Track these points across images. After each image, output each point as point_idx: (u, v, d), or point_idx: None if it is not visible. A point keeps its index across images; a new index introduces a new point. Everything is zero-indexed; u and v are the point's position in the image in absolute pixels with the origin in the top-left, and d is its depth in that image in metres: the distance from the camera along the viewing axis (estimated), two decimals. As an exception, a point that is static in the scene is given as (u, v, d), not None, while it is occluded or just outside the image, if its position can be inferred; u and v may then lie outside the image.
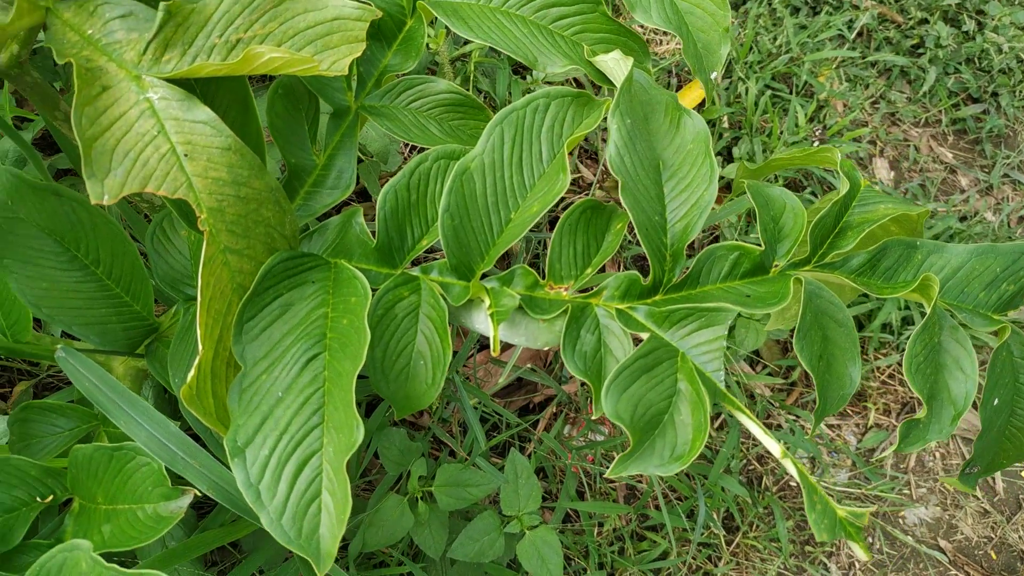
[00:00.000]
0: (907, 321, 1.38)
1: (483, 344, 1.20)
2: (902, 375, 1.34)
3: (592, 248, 0.43)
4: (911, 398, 1.37)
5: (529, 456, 1.15)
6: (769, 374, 1.32)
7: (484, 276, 0.44)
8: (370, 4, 0.48)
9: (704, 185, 0.41)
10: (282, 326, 0.43)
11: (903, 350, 1.22)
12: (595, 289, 0.42)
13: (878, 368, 1.37)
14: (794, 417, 1.29)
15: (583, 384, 1.29)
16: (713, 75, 0.49)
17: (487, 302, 0.42)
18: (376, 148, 1.08)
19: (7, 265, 0.50)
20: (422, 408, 0.43)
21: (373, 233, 0.47)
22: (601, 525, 1.16)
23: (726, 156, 1.54)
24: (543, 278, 0.43)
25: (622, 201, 0.39)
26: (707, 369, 0.37)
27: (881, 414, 1.36)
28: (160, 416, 0.45)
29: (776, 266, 0.41)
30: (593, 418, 0.93)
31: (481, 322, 0.43)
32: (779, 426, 1.24)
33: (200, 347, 0.40)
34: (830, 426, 1.34)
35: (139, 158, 0.40)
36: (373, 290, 0.43)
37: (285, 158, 0.50)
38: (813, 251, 0.41)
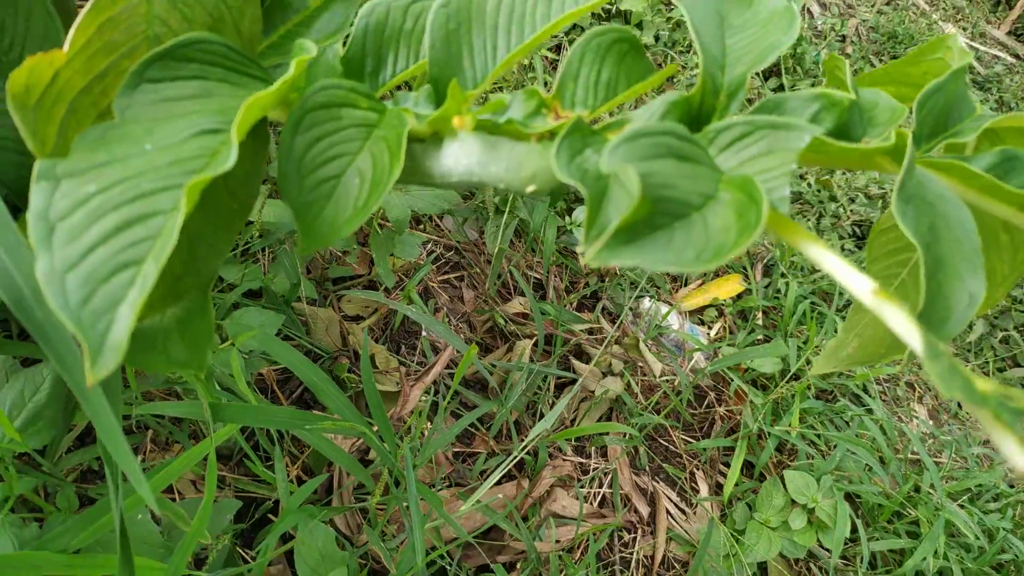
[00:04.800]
0: None
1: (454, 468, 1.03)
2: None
3: (620, 84, 0.32)
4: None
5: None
6: None
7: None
8: None
9: (780, 33, 0.31)
10: (191, 104, 0.32)
11: None
12: (614, 120, 0.30)
13: None
14: None
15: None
16: None
17: (464, 119, 0.30)
18: (395, 216, 1.01)
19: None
20: (336, 238, 0.30)
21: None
22: None
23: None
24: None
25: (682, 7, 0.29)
26: (770, 196, 0.24)
27: None
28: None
29: (866, 143, 0.29)
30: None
31: (453, 152, 0.31)
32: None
33: (65, 47, 0.29)
34: None
35: None
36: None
37: (276, -17, 0.41)
38: (918, 136, 0.30)
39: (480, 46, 0.33)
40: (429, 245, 1.34)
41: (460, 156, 0.32)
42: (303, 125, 0.31)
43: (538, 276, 1.39)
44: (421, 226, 1.33)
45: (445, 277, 1.31)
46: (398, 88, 0.38)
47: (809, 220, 1.73)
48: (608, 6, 1.87)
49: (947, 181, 0.29)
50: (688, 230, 0.22)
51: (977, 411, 0.17)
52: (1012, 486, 1.39)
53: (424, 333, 1.21)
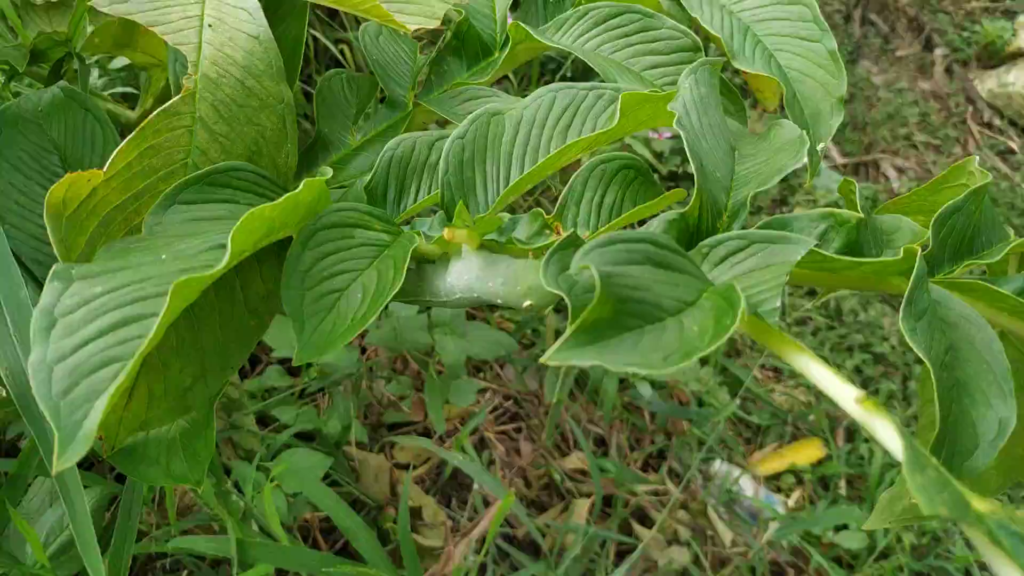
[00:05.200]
0: None
1: None
2: None
3: (625, 207, 0.32)
4: None
5: None
6: None
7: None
8: (465, 19, 0.47)
9: (788, 158, 0.31)
10: (217, 224, 0.34)
11: None
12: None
13: None
14: None
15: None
16: (821, 146, 0.41)
17: (466, 232, 0.31)
18: (449, 361, 1.01)
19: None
20: (331, 350, 0.30)
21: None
22: None
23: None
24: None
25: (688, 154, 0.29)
26: (760, 307, 0.23)
27: None
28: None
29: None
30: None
31: (457, 269, 0.31)
32: None
33: (105, 167, 0.31)
34: None
35: (161, 7, 0.37)
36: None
37: (319, 125, 0.45)
38: (938, 258, 0.28)
39: (493, 174, 0.35)
40: (488, 394, 1.33)
41: (462, 272, 0.32)
42: (314, 240, 0.32)
43: (599, 431, 1.34)
44: (481, 373, 1.33)
45: (503, 428, 1.29)
46: (419, 215, 0.40)
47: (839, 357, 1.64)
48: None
49: (972, 303, 0.27)
50: (660, 334, 0.21)
51: (971, 532, 0.15)
52: None
53: (476, 487, 1.18)
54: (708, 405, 1.41)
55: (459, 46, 0.47)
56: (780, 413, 1.51)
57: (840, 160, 2.33)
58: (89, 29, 0.57)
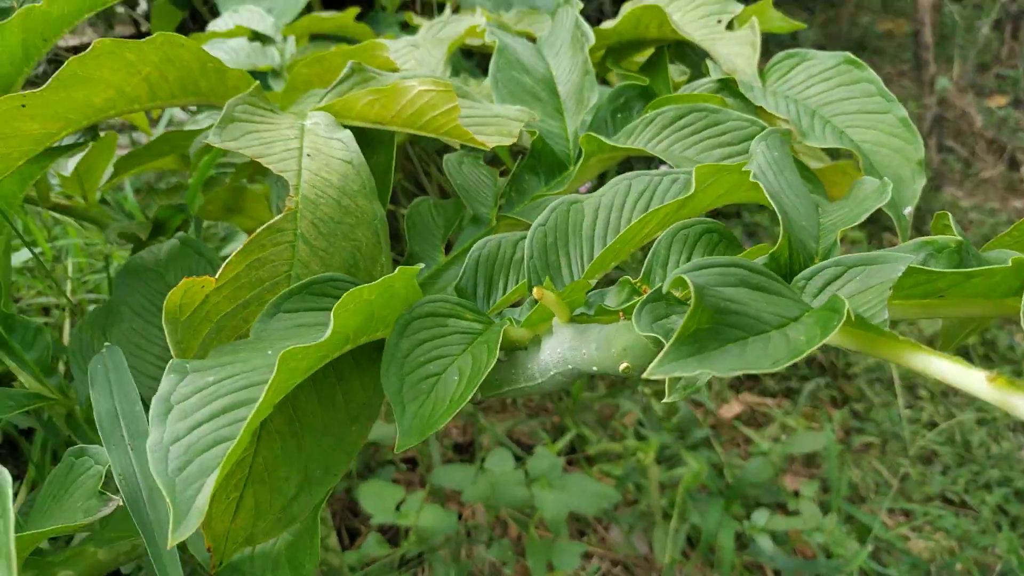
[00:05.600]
0: None
1: None
2: None
3: (712, 267, 0.31)
4: None
5: None
6: None
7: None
8: (538, 140, 0.50)
9: (873, 201, 0.30)
10: (318, 330, 0.36)
11: None
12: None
13: None
14: None
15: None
16: (907, 210, 0.40)
17: (555, 297, 0.31)
18: (550, 515, 0.98)
19: (123, 312, 0.50)
20: (431, 432, 0.29)
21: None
22: None
23: None
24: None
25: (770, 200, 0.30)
26: (867, 316, 0.21)
27: None
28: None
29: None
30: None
31: (549, 346, 0.31)
32: None
33: (216, 277, 0.34)
34: None
35: (267, 142, 0.41)
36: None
37: (410, 246, 0.47)
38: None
39: (576, 255, 0.35)
40: (594, 559, 1.25)
41: (555, 346, 0.32)
42: (410, 328, 0.33)
43: (719, 593, 1.23)
44: (584, 537, 1.27)
45: (613, 593, 1.20)
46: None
47: None
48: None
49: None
50: (765, 344, 0.20)
51: None
52: None
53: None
54: (836, 556, 1.28)
55: (535, 164, 0.50)
56: (921, 564, 1.36)
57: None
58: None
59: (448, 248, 0.49)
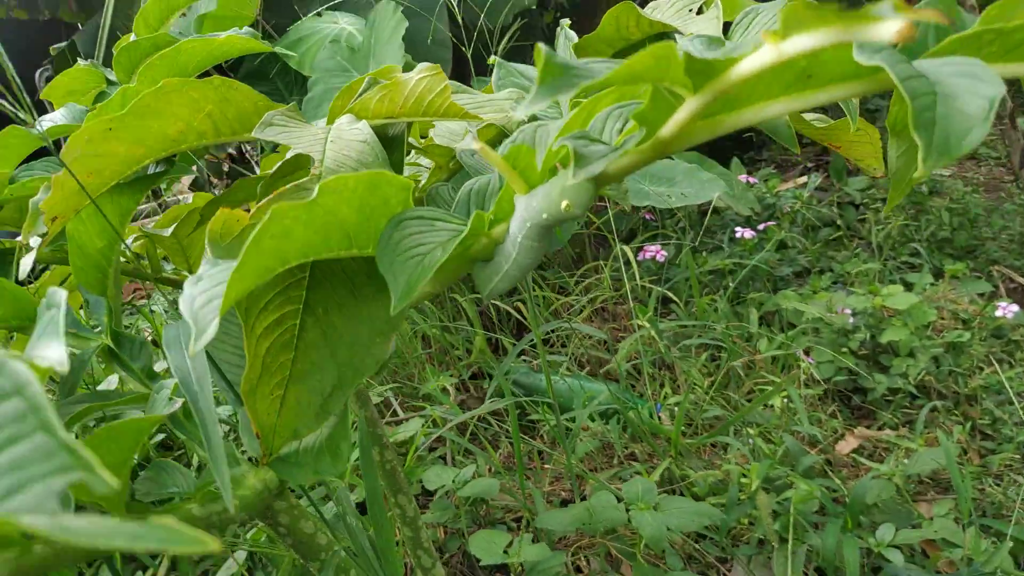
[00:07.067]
0: None
1: None
2: None
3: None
4: None
5: None
6: None
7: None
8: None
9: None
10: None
11: None
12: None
13: None
14: None
15: None
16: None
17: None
18: (649, 534, 0.97)
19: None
20: (419, 284, 0.35)
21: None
22: None
23: None
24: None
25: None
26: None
27: None
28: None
29: None
30: None
31: (513, 220, 0.36)
32: None
33: (250, 213, 0.42)
34: None
35: (297, 136, 0.50)
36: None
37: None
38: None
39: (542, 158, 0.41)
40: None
41: (517, 217, 0.37)
42: (401, 226, 0.39)
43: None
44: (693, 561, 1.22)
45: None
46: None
47: None
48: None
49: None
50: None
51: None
52: None
53: None
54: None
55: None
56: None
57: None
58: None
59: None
